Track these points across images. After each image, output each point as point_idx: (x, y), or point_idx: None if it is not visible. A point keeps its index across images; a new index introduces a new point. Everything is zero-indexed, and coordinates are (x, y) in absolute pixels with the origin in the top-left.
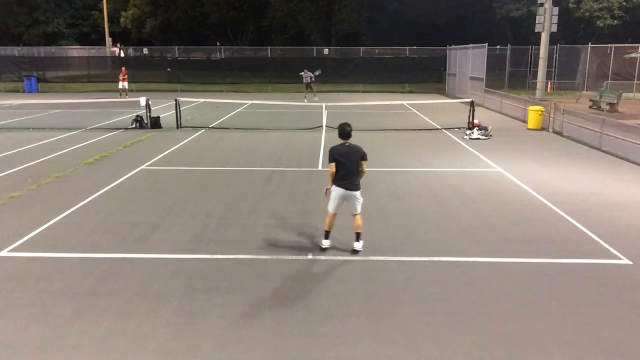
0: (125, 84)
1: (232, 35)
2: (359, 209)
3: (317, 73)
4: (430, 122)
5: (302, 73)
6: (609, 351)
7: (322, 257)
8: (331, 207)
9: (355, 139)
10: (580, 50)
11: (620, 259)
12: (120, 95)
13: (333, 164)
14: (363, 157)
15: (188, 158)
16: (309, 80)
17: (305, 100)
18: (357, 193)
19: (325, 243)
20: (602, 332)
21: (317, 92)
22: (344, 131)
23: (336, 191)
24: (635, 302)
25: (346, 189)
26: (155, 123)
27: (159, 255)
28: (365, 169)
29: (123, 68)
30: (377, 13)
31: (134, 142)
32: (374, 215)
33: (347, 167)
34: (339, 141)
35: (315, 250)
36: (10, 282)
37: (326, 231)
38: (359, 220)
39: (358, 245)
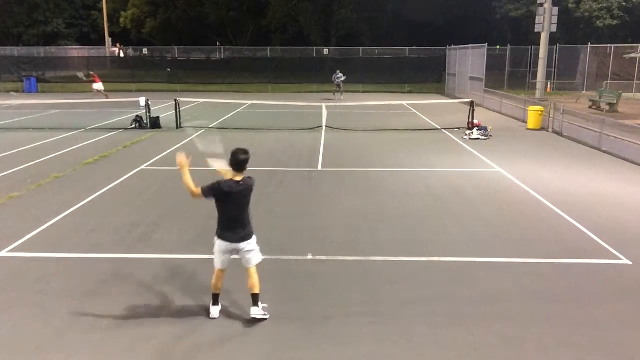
0: (99, 85)
1: (231, 35)
2: (254, 262)
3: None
4: (430, 122)
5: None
6: (609, 351)
7: (322, 257)
8: (218, 263)
9: (355, 139)
10: (580, 50)
11: (619, 259)
12: (95, 94)
13: (213, 200)
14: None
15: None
16: (338, 81)
17: (342, 97)
18: (250, 243)
19: (214, 311)
20: (602, 332)
21: (317, 92)
22: (238, 161)
23: (219, 245)
24: (635, 302)
25: (232, 241)
26: (155, 123)
27: (159, 255)
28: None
29: (91, 72)
30: (377, 13)
31: (134, 142)
32: (374, 215)
33: (234, 211)
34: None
35: (315, 250)
36: (10, 282)
37: (214, 294)
38: (254, 275)
39: (256, 312)
